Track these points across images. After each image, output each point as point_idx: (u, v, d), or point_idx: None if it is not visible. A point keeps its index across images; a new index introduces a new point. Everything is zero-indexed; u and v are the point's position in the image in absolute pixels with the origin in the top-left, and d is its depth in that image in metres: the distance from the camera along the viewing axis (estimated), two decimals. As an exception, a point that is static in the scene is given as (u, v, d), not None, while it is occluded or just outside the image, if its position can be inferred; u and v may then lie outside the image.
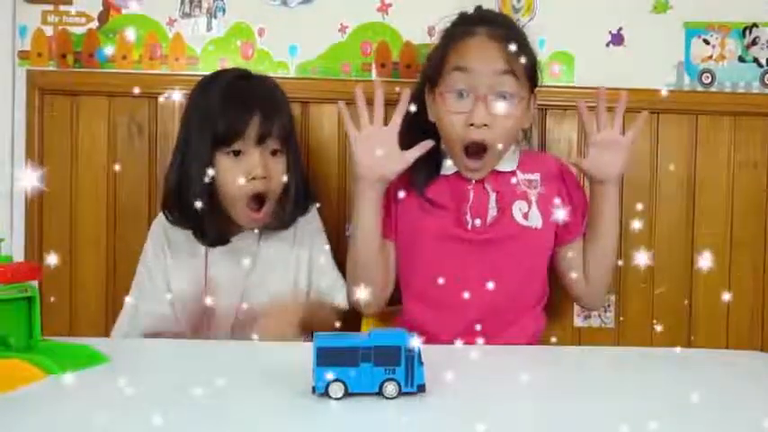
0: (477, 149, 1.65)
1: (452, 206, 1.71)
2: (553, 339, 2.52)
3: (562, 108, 2.95)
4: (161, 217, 1.79)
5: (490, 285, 1.62)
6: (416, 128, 1.63)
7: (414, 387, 1.47)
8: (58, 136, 2.94)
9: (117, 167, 2.86)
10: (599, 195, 1.68)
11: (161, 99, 2.72)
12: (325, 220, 1.86)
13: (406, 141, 1.59)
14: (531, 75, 1.70)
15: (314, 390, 1.46)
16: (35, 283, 1.70)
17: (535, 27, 2.97)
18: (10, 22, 2.92)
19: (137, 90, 2.84)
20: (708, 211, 3.05)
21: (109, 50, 2.94)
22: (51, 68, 2.94)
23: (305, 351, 1.51)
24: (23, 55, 2.94)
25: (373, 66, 2.98)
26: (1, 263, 1.64)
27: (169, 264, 1.78)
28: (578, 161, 1.64)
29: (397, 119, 1.60)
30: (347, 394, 1.46)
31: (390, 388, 1.47)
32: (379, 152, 1.58)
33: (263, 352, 1.92)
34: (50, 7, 2.95)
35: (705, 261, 3.04)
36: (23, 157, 2.91)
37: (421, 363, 1.48)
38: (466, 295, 1.64)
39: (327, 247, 1.77)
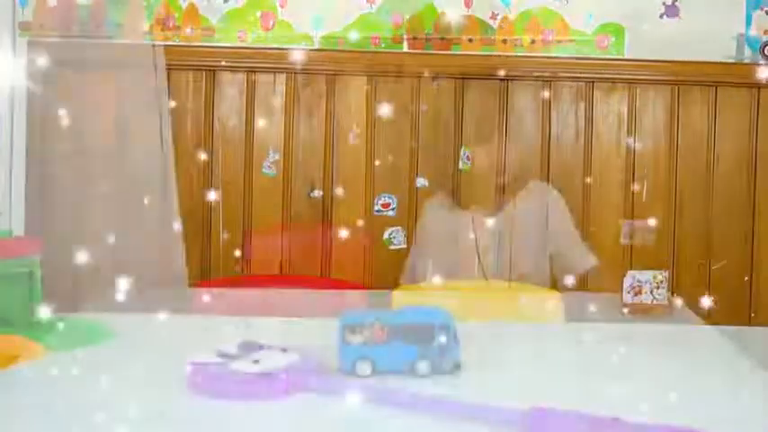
0: None
1: None
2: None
3: (610, 81, 2.94)
4: None
5: None
6: None
7: (448, 366, 1.47)
8: (62, 109, 2.94)
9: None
10: None
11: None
12: (349, 196, 2.17)
13: None
14: None
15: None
16: (36, 258, 1.71)
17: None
18: (9, -7, 2.94)
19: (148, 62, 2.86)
20: (768, 184, 3.03)
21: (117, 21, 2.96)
22: (54, 39, 2.96)
23: (331, 328, 1.51)
24: (25, 26, 2.96)
25: (405, 38, 2.98)
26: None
27: None
28: None
29: None
30: (375, 372, 1.45)
31: (423, 366, 1.47)
32: None
33: (285, 328, 1.92)
34: (54, -24, 2.97)
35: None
36: (25, 130, 2.93)
37: (457, 340, 1.47)
38: None
39: None
